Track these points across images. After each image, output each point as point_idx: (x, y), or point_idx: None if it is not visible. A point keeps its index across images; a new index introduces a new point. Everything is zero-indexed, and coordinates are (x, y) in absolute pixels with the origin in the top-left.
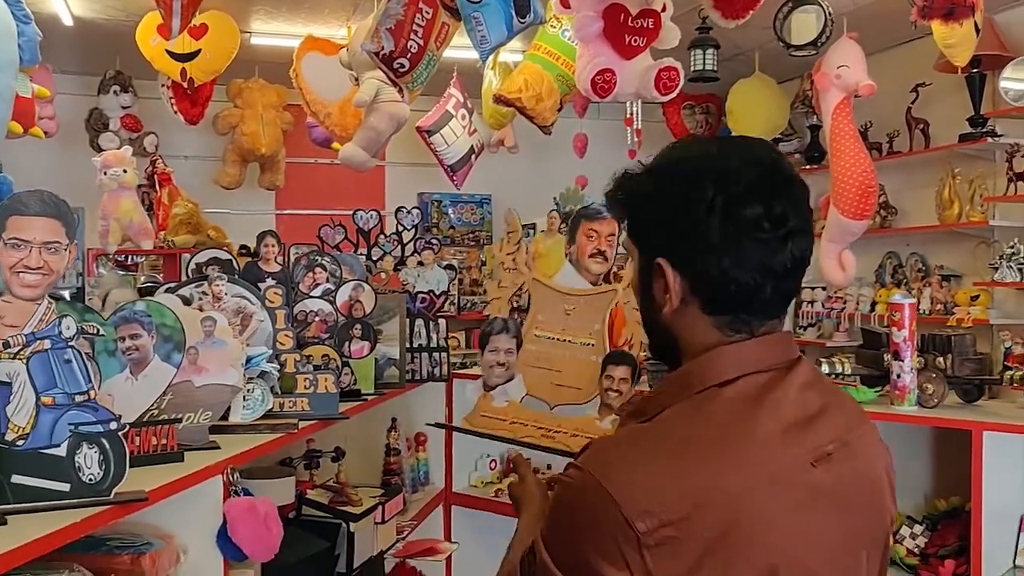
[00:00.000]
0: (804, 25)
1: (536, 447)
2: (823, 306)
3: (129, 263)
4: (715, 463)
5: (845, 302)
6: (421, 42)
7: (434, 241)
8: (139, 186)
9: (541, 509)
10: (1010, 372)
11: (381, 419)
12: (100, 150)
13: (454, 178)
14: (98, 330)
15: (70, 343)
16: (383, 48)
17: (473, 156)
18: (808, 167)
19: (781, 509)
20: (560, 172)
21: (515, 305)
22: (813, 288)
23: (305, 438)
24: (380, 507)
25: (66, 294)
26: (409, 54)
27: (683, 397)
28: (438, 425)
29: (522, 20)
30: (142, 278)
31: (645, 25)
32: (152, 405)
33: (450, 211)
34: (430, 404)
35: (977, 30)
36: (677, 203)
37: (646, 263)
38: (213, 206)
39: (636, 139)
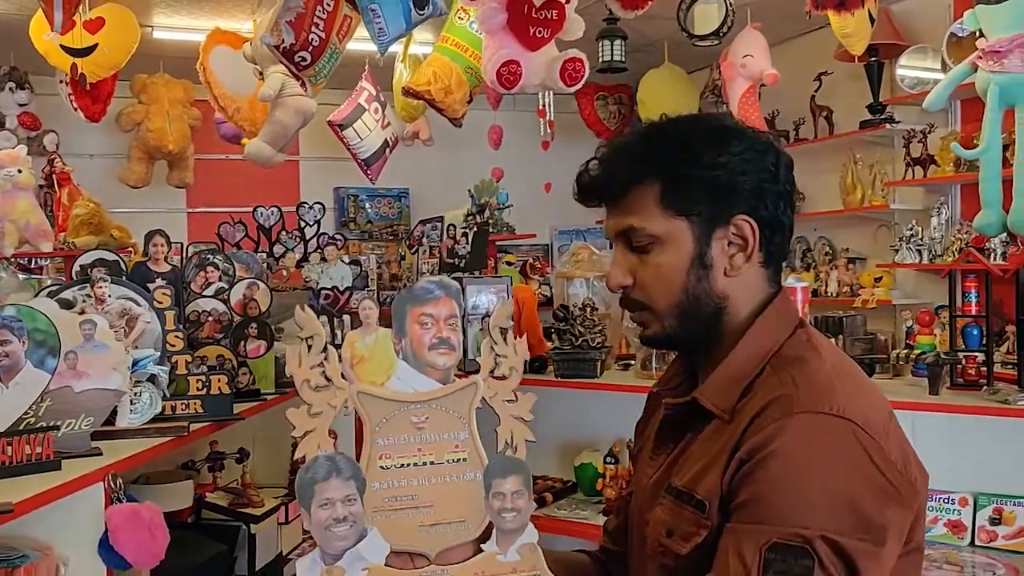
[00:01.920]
0: (706, 15)
1: None
2: None
3: (33, 266)
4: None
5: None
6: (323, 35)
7: (338, 237)
8: (40, 186)
9: None
10: (896, 351)
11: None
12: None
13: (368, 172)
14: None
15: None
16: (283, 41)
17: (387, 150)
18: None
19: None
20: (477, 164)
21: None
22: None
23: (208, 440)
24: (283, 507)
25: None
26: (311, 47)
27: (787, 333)
28: None
29: (420, 12)
30: (48, 281)
31: (549, 16)
32: (27, 413)
33: (367, 205)
34: None
35: (872, 19)
36: (755, 158)
37: (704, 227)
38: (121, 205)
39: (549, 130)
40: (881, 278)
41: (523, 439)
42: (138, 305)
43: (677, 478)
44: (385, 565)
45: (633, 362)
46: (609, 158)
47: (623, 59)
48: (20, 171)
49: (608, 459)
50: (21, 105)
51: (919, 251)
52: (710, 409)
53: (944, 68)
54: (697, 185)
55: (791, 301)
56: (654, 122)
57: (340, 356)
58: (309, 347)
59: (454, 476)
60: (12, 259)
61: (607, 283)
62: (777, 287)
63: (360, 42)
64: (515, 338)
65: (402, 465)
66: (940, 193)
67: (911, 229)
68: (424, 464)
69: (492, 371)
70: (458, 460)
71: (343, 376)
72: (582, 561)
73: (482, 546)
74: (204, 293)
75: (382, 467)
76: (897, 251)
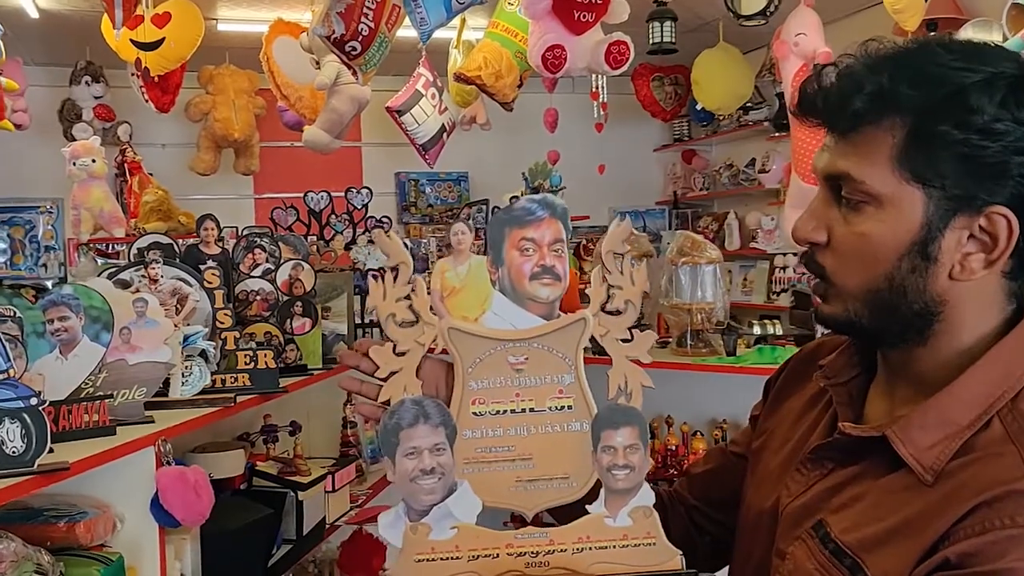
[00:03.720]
0: None
1: None
2: (795, 271)
3: (111, 251)
4: None
5: None
6: (372, 24)
7: (384, 220)
8: (116, 175)
9: None
10: None
11: (341, 393)
12: (74, 140)
13: (426, 157)
14: (14, 313)
15: None
16: (334, 32)
17: (445, 134)
18: (777, 135)
19: None
20: (534, 147)
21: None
22: (785, 254)
23: (262, 413)
24: (330, 476)
25: (49, 284)
26: (360, 37)
27: None
28: None
29: (460, 1)
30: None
31: (594, 1)
32: (86, 383)
33: (427, 189)
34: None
35: None
36: None
37: (944, 207)
38: (192, 193)
39: (603, 112)
40: None
41: (639, 385)
42: (188, 285)
43: (835, 523)
44: (476, 524)
45: (670, 340)
46: (850, 75)
47: (673, 40)
48: (94, 161)
49: None
50: (97, 98)
51: None
52: (909, 464)
53: (1004, 41)
54: (953, 150)
55: None
56: (928, 40)
57: (429, 288)
58: (395, 278)
59: (557, 426)
60: (91, 245)
61: (792, 231)
62: (1019, 307)
63: (415, 29)
64: (632, 264)
65: (498, 412)
66: None
67: None
68: (523, 411)
69: (603, 305)
70: (562, 408)
71: (432, 310)
72: None
73: (588, 507)
74: (252, 274)
75: (475, 413)
76: None
